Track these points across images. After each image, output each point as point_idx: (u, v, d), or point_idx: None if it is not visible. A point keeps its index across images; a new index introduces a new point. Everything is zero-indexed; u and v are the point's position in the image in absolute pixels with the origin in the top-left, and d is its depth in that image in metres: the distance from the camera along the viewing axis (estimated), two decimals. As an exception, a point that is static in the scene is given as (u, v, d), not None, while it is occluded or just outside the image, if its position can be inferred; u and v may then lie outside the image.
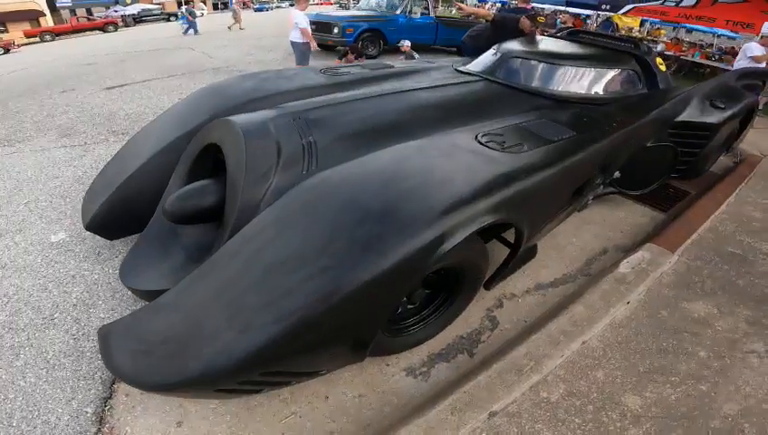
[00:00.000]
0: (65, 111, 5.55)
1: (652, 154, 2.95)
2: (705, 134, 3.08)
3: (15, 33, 23.12)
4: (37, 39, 21.75)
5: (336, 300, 1.22)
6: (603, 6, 12.39)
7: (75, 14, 28.26)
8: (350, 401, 1.69)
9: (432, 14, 9.23)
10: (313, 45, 6.20)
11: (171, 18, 27.52)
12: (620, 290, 2.25)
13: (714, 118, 3.09)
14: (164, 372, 1.21)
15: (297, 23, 5.96)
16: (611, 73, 2.99)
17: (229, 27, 15.39)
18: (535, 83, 2.92)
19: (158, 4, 31.52)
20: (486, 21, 4.71)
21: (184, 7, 17.47)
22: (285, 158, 1.79)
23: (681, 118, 3.02)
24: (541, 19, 4.21)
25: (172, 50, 11.18)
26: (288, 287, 1.25)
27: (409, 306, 1.85)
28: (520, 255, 2.02)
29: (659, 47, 10.67)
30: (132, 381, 1.23)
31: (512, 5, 8.87)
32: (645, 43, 3.85)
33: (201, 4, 24.85)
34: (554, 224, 2.38)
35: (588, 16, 14.08)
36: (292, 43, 6.19)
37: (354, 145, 1.92)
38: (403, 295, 1.48)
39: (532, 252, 2.41)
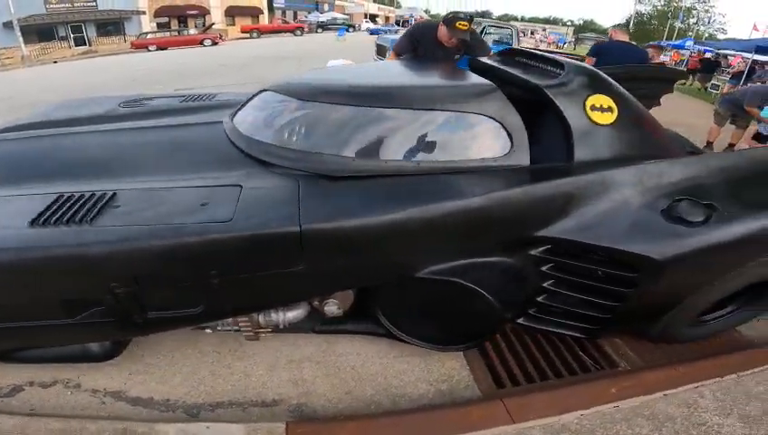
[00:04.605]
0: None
1: (439, 294, 1.61)
2: (617, 274, 1.54)
3: (236, 27, 29.11)
4: (247, 35, 26.85)
5: None
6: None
7: (284, 15, 34.06)
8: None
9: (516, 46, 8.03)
10: None
11: (349, 29, 30.63)
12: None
13: (655, 242, 1.47)
14: None
15: None
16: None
17: None
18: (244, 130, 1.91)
19: (347, 15, 35.76)
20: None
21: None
22: None
23: (558, 232, 1.53)
24: (462, 25, 2.78)
25: (293, 59, 12.49)
26: None
27: None
28: (95, 349, 1.72)
29: None
30: None
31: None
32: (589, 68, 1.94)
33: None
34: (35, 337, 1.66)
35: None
36: None
37: None
38: None
39: (106, 350, 1.80)
